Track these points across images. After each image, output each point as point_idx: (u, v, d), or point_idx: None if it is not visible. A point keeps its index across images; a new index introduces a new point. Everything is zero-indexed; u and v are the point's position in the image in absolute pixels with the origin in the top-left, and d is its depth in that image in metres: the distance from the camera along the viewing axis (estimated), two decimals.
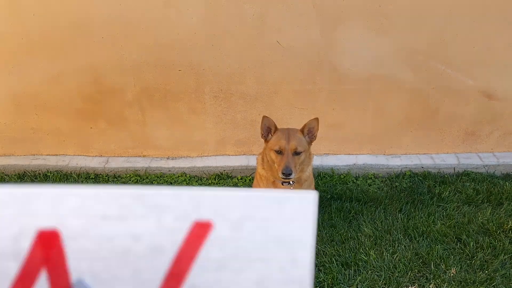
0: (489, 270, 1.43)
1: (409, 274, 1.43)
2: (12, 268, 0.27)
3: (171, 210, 0.28)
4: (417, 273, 1.44)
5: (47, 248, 0.27)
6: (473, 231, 1.62)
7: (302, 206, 0.29)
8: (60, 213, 0.27)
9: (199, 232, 0.29)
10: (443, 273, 1.43)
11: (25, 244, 0.27)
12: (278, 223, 0.29)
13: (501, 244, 1.54)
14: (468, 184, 1.87)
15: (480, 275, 1.42)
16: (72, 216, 0.27)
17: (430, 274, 1.43)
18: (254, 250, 0.29)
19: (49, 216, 0.27)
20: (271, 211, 0.29)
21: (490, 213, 1.70)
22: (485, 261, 1.48)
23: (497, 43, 1.79)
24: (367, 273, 1.44)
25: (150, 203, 0.28)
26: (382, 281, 1.40)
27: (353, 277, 1.43)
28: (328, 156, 2.05)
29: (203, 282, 0.29)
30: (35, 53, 1.83)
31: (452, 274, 1.42)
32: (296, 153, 1.40)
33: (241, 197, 0.29)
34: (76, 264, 0.28)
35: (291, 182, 1.42)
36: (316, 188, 1.58)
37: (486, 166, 1.95)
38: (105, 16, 1.76)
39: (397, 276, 1.42)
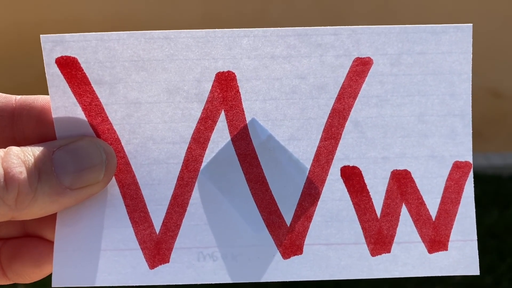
0: (496, 273, 1.40)
1: (414, 277, 1.39)
2: (196, 109, 0.29)
3: (332, 48, 0.29)
4: (423, 277, 1.41)
5: (225, 90, 0.29)
6: (479, 233, 1.57)
7: (458, 37, 0.30)
8: (235, 55, 0.29)
9: (360, 68, 0.30)
10: (448, 277, 1.40)
11: (207, 86, 0.29)
12: (435, 56, 0.30)
13: (509, 247, 1.50)
14: (474, 185, 1.81)
15: (487, 278, 1.39)
16: (245, 57, 0.29)
17: (436, 277, 1.40)
18: (413, 84, 0.30)
19: (225, 58, 0.29)
20: (427, 44, 0.30)
21: (497, 215, 1.67)
22: (492, 265, 1.44)
23: (504, 39, 1.75)
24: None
25: (314, 42, 0.29)
26: (386, 286, 1.37)
27: (357, 281, 1.39)
28: None
29: (365, 117, 0.30)
30: (26, 52, 1.80)
31: (457, 278, 1.38)
32: None
33: (398, 32, 0.29)
34: (250, 104, 0.30)
35: None
36: None
37: (493, 167, 1.91)
38: (100, 13, 1.73)
39: (402, 280, 1.39)
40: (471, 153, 0.31)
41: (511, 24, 1.75)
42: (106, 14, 1.74)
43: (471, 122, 0.31)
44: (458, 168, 0.31)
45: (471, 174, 0.31)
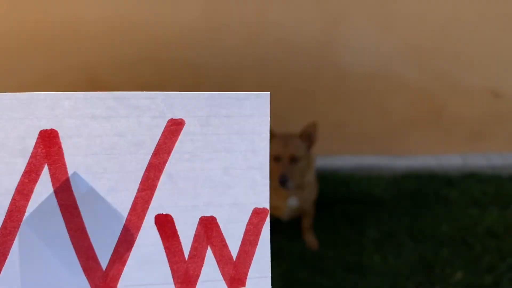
0: (496, 273, 1.41)
1: (414, 278, 1.40)
2: (20, 164, 0.33)
3: (149, 110, 0.34)
4: (423, 277, 1.41)
5: (48, 146, 0.33)
6: (479, 233, 1.58)
7: (258, 103, 0.35)
8: (58, 115, 0.33)
9: (174, 128, 0.34)
10: (449, 277, 1.40)
11: (30, 142, 0.33)
12: (239, 119, 0.34)
13: (508, 246, 1.51)
14: (474, 185, 1.81)
15: (487, 278, 1.40)
16: (67, 117, 0.33)
17: (436, 277, 1.40)
18: (220, 142, 0.34)
19: (48, 118, 0.33)
20: (232, 108, 0.34)
21: (497, 215, 1.67)
22: (492, 264, 1.44)
23: (504, 39, 1.76)
24: (371, 278, 1.40)
25: (131, 105, 0.33)
26: (387, 286, 1.37)
27: (356, 282, 1.40)
28: (331, 157, 2.01)
29: (178, 171, 0.34)
30: (26, 52, 1.80)
31: (458, 278, 1.39)
32: (293, 160, 1.38)
33: (207, 98, 0.34)
34: (72, 159, 0.33)
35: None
36: (318, 191, 1.59)
37: (493, 167, 1.91)
38: (99, 13, 1.73)
39: (402, 280, 1.39)
40: (268, 200, 0.35)
41: (511, 24, 1.76)
42: (106, 13, 1.74)
43: (269, 174, 0.35)
44: (257, 214, 0.34)
45: (267, 219, 0.35)
